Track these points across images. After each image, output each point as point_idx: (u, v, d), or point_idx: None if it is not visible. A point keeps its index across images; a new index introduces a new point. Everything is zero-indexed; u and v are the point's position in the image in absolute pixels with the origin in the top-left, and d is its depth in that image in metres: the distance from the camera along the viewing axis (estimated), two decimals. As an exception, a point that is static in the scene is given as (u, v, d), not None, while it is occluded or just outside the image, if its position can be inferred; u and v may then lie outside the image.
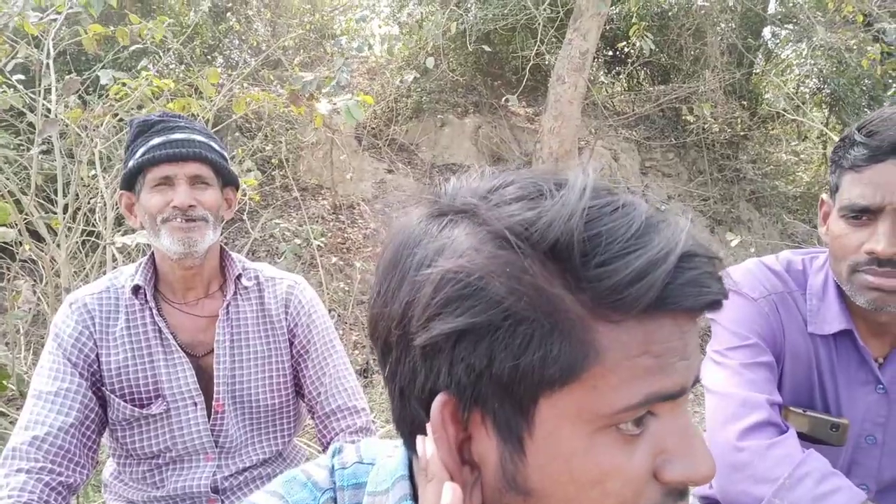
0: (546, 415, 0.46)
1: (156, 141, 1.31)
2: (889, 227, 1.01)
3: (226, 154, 1.42)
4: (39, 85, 2.66)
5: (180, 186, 1.32)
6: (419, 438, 0.51)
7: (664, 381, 0.46)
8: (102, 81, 2.61)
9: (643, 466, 0.47)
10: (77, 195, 2.63)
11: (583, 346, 0.44)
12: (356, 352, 4.81)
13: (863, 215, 1.04)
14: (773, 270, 1.20)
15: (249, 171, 4.73)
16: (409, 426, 0.52)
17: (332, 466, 0.62)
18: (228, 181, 1.43)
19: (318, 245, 5.47)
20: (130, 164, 1.33)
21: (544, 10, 5.96)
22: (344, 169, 6.28)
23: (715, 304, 0.46)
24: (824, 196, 1.17)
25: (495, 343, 0.44)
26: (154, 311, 1.38)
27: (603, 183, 0.49)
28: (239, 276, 1.44)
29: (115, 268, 1.66)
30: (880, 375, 1.14)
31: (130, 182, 1.35)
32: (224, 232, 5.24)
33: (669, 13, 6.95)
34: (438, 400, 0.47)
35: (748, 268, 1.22)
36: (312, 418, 1.51)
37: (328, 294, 5.26)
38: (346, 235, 6.03)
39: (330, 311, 5.20)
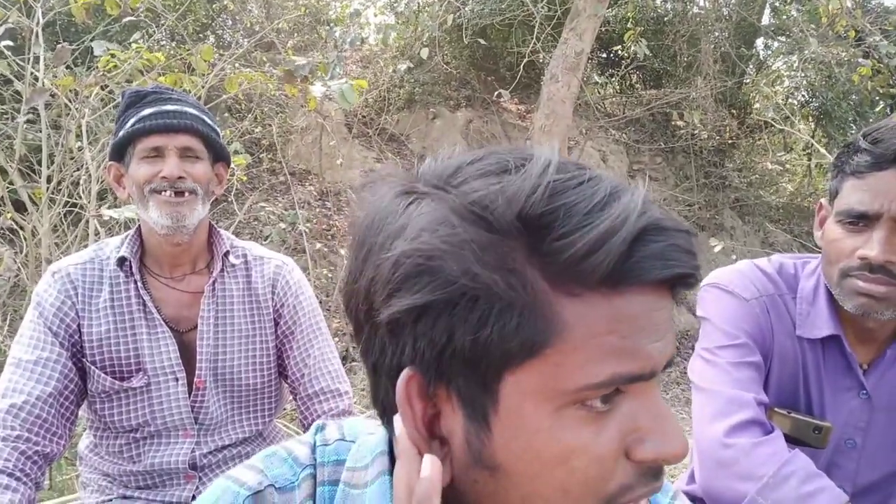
0: (510, 391, 0.45)
1: (147, 111, 1.29)
2: (885, 234, 1.02)
3: (218, 129, 1.40)
4: (29, 53, 2.61)
5: (170, 158, 1.30)
6: (396, 416, 0.51)
7: (632, 362, 0.45)
8: (96, 52, 2.56)
9: (611, 445, 0.46)
10: (62, 167, 2.58)
11: (544, 321, 0.44)
12: (336, 339, 4.79)
13: (860, 221, 1.05)
14: (765, 273, 1.21)
15: (237, 152, 4.68)
16: (383, 403, 0.52)
17: (314, 443, 0.62)
18: (220, 156, 1.41)
19: (303, 231, 5.44)
20: (121, 133, 1.30)
21: (542, 7, 5.95)
22: (333, 156, 6.24)
23: (685, 278, 0.45)
24: (823, 200, 1.18)
25: (455, 318, 0.44)
26: (139, 284, 1.36)
27: (570, 160, 0.48)
28: (227, 254, 1.42)
29: (97, 241, 1.64)
30: (864, 381, 1.15)
31: (120, 152, 1.33)
32: (211, 211, 5.20)
33: (665, 19, 6.99)
34: (403, 376, 0.47)
35: (740, 269, 1.23)
36: (295, 399, 1.50)
37: (312, 280, 5.23)
38: (331, 222, 6.00)
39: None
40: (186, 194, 1.32)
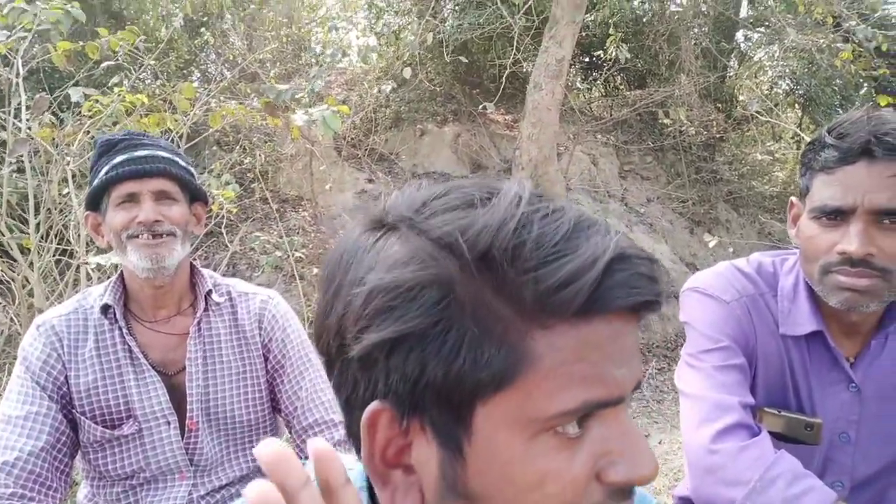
0: (483, 421, 0.46)
1: (119, 158, 1.30)
2: (861, 227, 1.02)
3: (192, 170, 1.40)
4: (9, 104, 2.63)
5: (145, 202, 1.30)
6: None
7: (601, 388, 0.46)
8: (73, 99, 2.58)
9: (584, 469, 0.47)
10: (49, 214, 2.59)
11: (515, 352, 0.44)
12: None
13: (834, 216, 1.05)
14: (743, 273, 1.21)
15: (228, 184, 4.70)
16: (357, 437, 0.52)
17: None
18: (196, 196, 1.42)
19: (300, 257, 5.44)
20: (95, 183, 1.31)
21: (520, 19, 5.99)
22: (324, 180, 6.26)
23: (648, 305, 0.46)
24: (794, 199, 1.18)
25: (426, 351, 0.44)
26: (124, 330, 1.36)
27: (535, 191, 0.49)
28: (209, 292, 1.42)
29: (90, 286, 1.64)
30: (852, 374, 1.15)
31: (96, 202, 1.34)
32: (202, 245, 5.20)
33: (644, 19, 7.03)
34: (369, 409, 0.48)
35: (719, 271, 1.23)
36: (290, 433, 1.49)
37: (310, 306, 5.23)
38: (327, 247, 6.01)
39: (312, 322, 5.17)
40: (164, 236, 1.33)
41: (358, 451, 0.54)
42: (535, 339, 0.44)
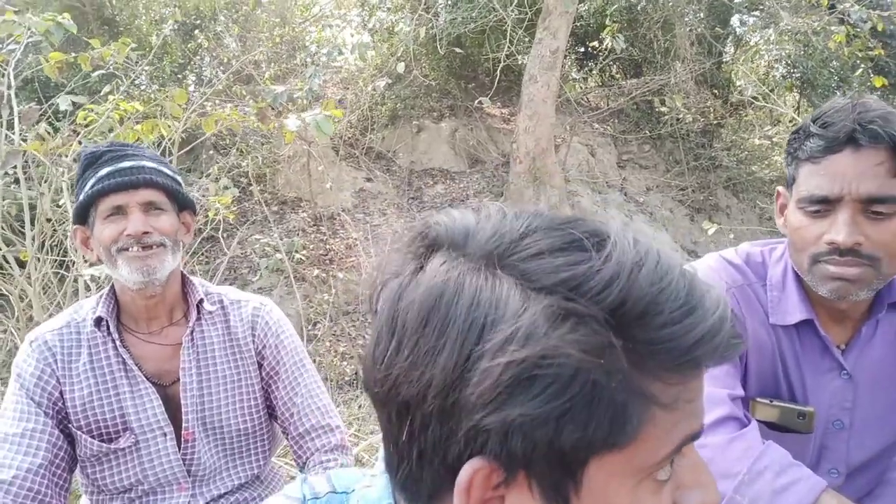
0: (594, 474, 0.45)
1: (104, 171, 1.29)
2: (848, 216, 1.02)
3: (179, 178, 1.40)
4: (1, 116, 2.63)
5: (133, 214, 1.30)
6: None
7: (694, 423, 0.47)
8: (62, 108, 2.58)
9: None
10: (43, 227, 2.60)
11: (641, 413, 0.44)
12: (344, 363, 4.78)
13: (821, 206, 1.05)
14: (732, 264, 1.21)
15: (226, 188, 4.70)
16: (425, 485, 0.49)
17: (304, 497, 0.61)
18: (184, 205, 1.41)
19: (300, 258, 5.44)
20: (81, 197, 1.31)
21: (512, 11, 5.97)
22: (322, 180, 6.26)
23: (740, 349, 0.47)
24: (780, 188, 1.17)
25: (564, 418, 0.43)
26: (117, 343, 1.36)
27: (638, 233, 0.48)
28: (201, 301, 1.42)
29: (88, 297, 1.65)
30: (843, 362, 1.15)
31: (83, 215, 1.33)
32: (201, 250, 5.21)
33: (638, 7, 6.99)
34: (470, 467, 0.45)
35: (708, 263, 1.22)
36: (287, 439, 1.50)
37: (313, 307, 5.23)
38: (328, 247, 6.01)
39: (315, 323, 5.18)
40: (154, 247, 1.32)
41: (413, 496, 0.51)
42: (660, 396, 0.44)
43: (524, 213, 0.49)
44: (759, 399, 1.17)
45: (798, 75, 7.35)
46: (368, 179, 6.76)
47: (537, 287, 0.44)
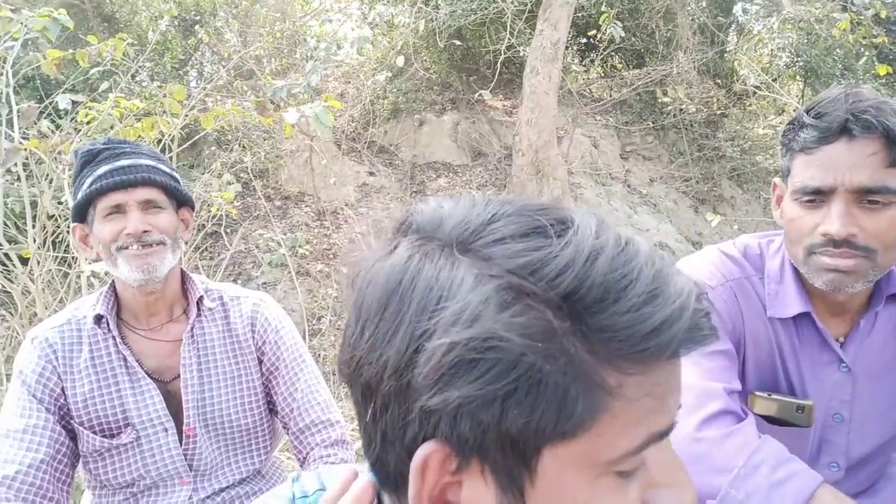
0: (549, 464, 0.45)
1: (102, 170, 1.29)
2: (842, 207, 1.01)
3: (177, 175, 1.40)
4: (0, 115, 2.63)
5: (132, 213, 1.30)
6: None
7: (661, 419, 0.45)
8: (61, 106, 2.58)
9: (635, 503, 0.47)
10: (45, 224, 2.61)
11: (595, 399, 0.43)
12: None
13: (816, 197, 1.04)
14: (729, 256, 1.20)
15: (229, 183, 4.70)
16: (391, 468, 0.50)
17: (293, 496, 0.61)
18: (183, 202, 1.42)
19: (304, 253, 5.45)
20: (79, 195, 1.31)
21: (512, 2, 5.95)
22: (325, 175, 6.26)
23: (709, 341, 0.46)
24: (776, 180, 1.17)
25: (508, 402, 0.42)
26: (118, 340, 1.36)
27: (604, 220, 0.47)
28: (201, 298, 1.43)
29: (90, 294, 1.66)
30: (842, 354, 1.14)
31: (82, 214, 1.34)
32: (204, 246, 5.22)
33: (639, -4, 6.96)
34: (426, 450, 0.45)
35: (705, 256, 1.22)
36: (287, 434, 1.50)
37: (317, 301, 5.25)
38: (331, 241, 6.02)
39: (319, 318, 5.20)
40: (154, 245, 1.33)
41: (381, 481, 0.53)
42: (616, 385, 0.43)
43: (498, 200, 0.48)
44: (757, 393, 1.16)
45: (801, 64, 7.30)
46: (371, 174, 6.76)
47: (493, 272, 0.43)
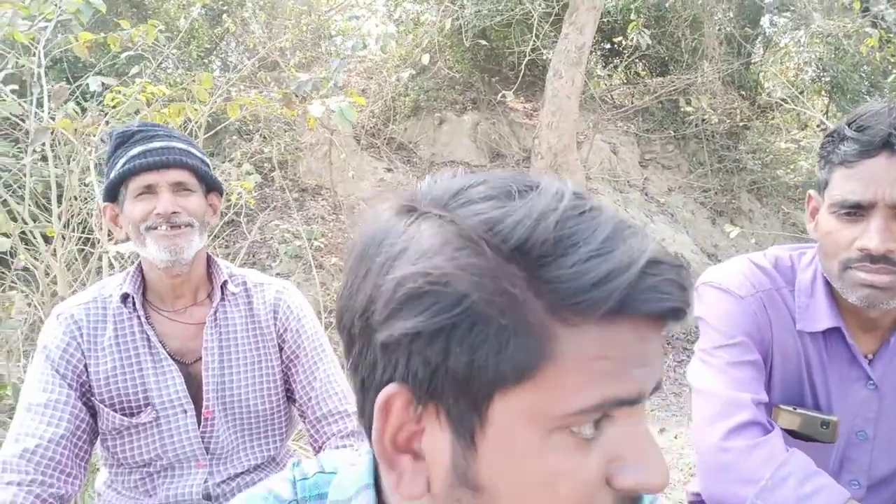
0: (500, 412, 0.46)
1: (135, 150, 1.31)
2: (882, 223, 1.00)
3: (207, 160, 1.41)
4: (31, 94, 2.66)
5: (163, 194, 1.31)
6: None
7: (621, 385, 0.45)
8: (91, 88, 2.61)
9: (596, 472, 0.46)
10: (71, 203, 2.63)
11: (539, 347, 0.44)
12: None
13: (854, 211, 1.03)
14: (760, 267, 1.19)
15: (249, 173, 4.73)
16: (369, 419, 0.52)
17: (294, 478, 0.62)
18: (212, 187, 1.43)
19: (319, 245, 5.47)
20: (112, 175, 1.32)
21: (539, 4, 5.94)
22: (343, 169, 6.28)
23: (676, 312, 0.46)
24: (812, 192, 1.16)
25: (452, 340, 0.44)
26: (143, 320, 1.37)
27: (573, 187, 0.49)
28: (225, 283, 1.44)
29: (112, 275, 1.67)
30: (870, 372, 1.13)
31: (113, 193, 1.35)
32: (222, 234, 5.25)
33: (666, 4, 6.92)
34: (385, 390, 0.48)
35: (735, 265, 1.21)
36: (304, 423, 1.51)
37: (330, 294, 5.26)
38: (347, 235, 6.04)
39: (331, 311, 5.21)
40: (182, 227, 1.34)
41: (369, 434, 0.54)
42: (561, 336, 0.44)
43: (488, 174, 0.51)
44: (782, 406, 1.15)
45: (828, 79, 7.23)
46: (389, 170, 6.78)
47: (453, 228, 0.46)
